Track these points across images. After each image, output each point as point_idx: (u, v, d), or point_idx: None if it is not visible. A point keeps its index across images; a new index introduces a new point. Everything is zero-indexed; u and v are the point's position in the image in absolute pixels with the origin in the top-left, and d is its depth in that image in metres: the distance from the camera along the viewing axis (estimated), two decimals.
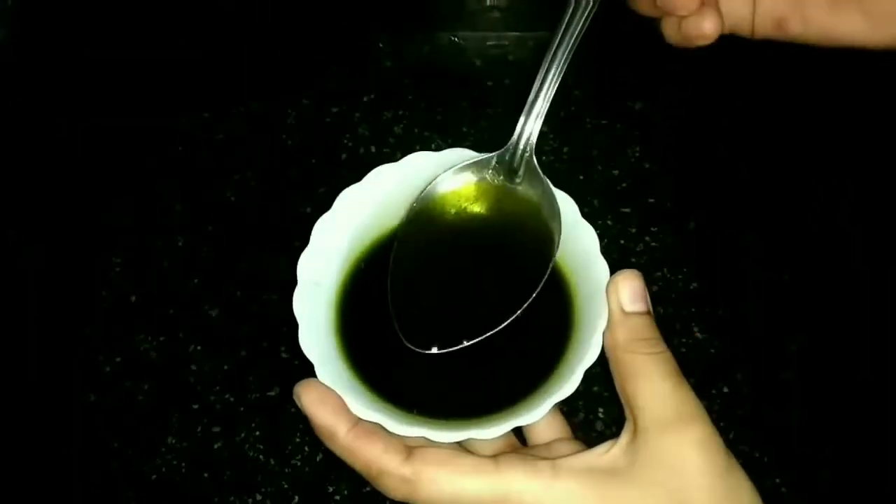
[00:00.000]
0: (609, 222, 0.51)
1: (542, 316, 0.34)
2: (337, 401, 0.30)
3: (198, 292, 0.50)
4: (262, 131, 0.56)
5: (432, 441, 0.30)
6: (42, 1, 0.61)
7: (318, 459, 0.45)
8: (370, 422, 0.30)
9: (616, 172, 0.53)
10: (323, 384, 0.31)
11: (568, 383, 0.30)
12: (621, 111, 0.55)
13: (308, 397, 0.31)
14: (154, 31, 0.60)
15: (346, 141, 0.55)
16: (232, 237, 0.52)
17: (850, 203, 0.51)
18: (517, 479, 0.29)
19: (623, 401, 0.30)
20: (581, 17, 0.33)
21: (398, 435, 0.30)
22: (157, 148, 0.55)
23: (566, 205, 0.33)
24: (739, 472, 0.29)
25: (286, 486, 0.44)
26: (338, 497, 0.44)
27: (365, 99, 0.57)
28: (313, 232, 0.34)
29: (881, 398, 0.45)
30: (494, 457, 0.30)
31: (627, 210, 0.52)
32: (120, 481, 0.44)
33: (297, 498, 0.44)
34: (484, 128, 0.54)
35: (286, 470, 0.45)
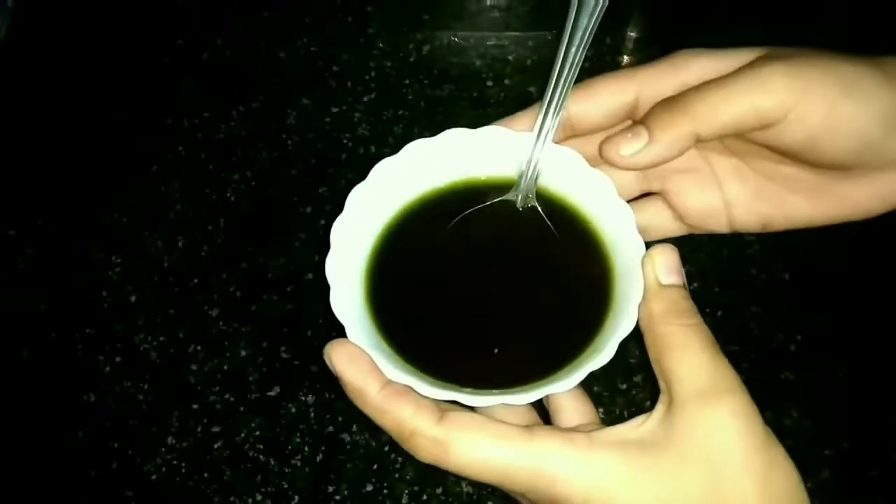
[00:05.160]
0: None
1: (579, 289, 0.34)
2: (367, 360, 0.30)
3: (198, 292, 0.50)
4: (262, 131, 0.56)
5: (464, 405, 0.29)
6: (42, 1, 0.61)
7: (318, 459, 0.45)
8: (401, 384, 0.30)
9: None
10: (353, 344, 0.30)
11: (602, 353, 0.30)
12: None
13: (338, 356, 0.30)
14: (154, 31, 0.60)
15: (346, 141, 0.55)
16: (232, 237, 0.52)
17: None
18: (552, 449, 0.28)
19: (658, 373, 0.30)
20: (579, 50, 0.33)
21: (429, 398, 0.29)
22: (157, 148, 0.55)
23: (604, 183, 0.34)
24: (778, 446, 0.28)
25: (286, 486, 0.44)
26: (338, 497, 0.44)
27: (365, 99, 0.57)
28: (348, 199, 0.34)
29: (881, 398, 0.46)
30: (528, 426, 0.29)
31: None
32: (120, 481, 0.44)
33: (297, 498, 0.44)
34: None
35: (286, 470, 0.45)
